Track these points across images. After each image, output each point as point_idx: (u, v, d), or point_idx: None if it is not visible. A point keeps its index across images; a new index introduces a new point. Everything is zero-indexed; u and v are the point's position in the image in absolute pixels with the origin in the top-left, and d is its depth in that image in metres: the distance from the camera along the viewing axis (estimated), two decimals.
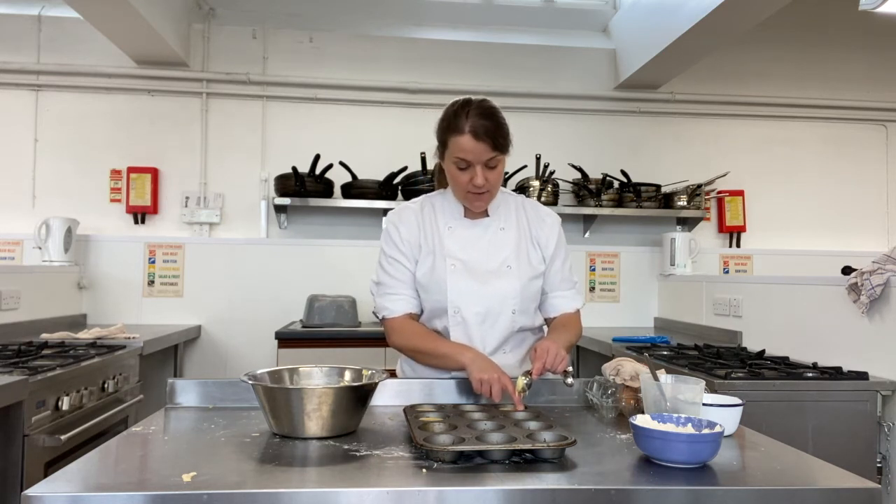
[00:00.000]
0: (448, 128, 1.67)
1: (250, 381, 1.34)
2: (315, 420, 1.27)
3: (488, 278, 1.76)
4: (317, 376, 1.50)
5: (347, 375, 1.49)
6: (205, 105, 3.95)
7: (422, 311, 1.83)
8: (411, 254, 1.80)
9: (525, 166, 3.82)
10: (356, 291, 3.61)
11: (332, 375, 1.50)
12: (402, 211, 1.87)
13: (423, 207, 1.86)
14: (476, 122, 1.63)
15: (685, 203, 4.01)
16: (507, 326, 1.77)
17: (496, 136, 1.65)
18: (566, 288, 1.88)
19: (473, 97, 1.71)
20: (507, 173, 3.83)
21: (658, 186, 4.02)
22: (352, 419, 1.33)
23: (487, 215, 1.83)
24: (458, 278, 1.75)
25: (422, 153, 3.68)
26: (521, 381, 1.54)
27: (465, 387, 1.63)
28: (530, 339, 1.86)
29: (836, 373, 2.32)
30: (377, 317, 1.85)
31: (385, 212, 3.85)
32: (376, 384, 1.39)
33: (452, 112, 1.68)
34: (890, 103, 4.44)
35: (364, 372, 1.48)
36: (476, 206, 1.77)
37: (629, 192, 3.98)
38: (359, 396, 1.33)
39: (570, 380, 1.59)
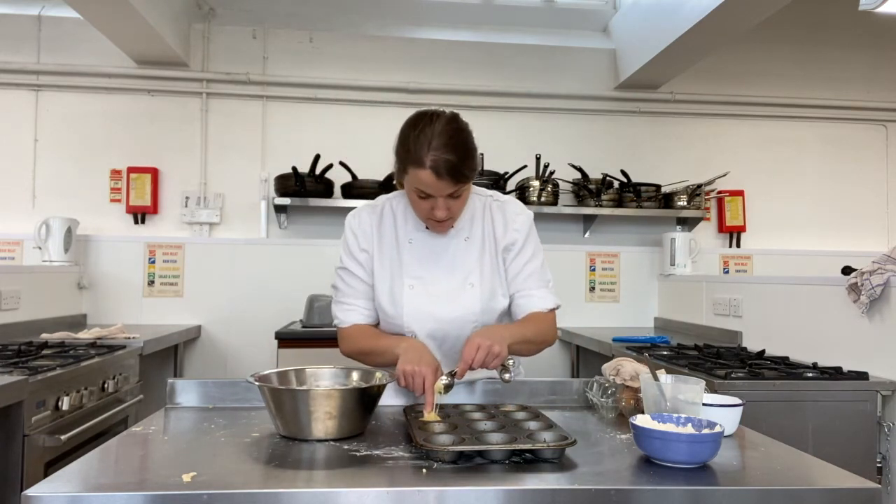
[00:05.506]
0: (407, 157, 1.51)
1: (257, 383, 1.32)
2: (323, 422, 1.26)
3: (448, 298, 1.66)
4: (324, 377, 1.48)
5: (354, 376, 1.48)
6: (205, 105, 3.95)
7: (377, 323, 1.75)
8: (368, 264, 1.72)
9: (525, 166, 3.82)
10: None
11: (339, 377, 1.48)
12: (361, 214, 1.76)
13: (384, 214, 1.75)
14: (438, 158, 1.47)
15: (685, 203, 4.00)
16: None
17: (461, 170, 1.49)
18: (537, 287, 1.70)
19: (438, 114, 1.54)
20: (506, 173, 3.83)
21: (658, 186, 4.02)
22: (361, 421, 1.32)
23: (452, 226, 1.70)
24: (415, 300, 1.66)
25: None
26: (440, 383, 1.42)
27: (466, 387, 1.62)
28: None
29: (836, 373, 2.32)
30: None
31: None
32: (385, 385, 1.38)
33: (414, 137, 1.50)
34: (890, 103, 4.44)
35: (377, 374, 1.44)
36: (437, 230, 1.67)
37: (629, 192, 3.98)
38: (368, 398, 1.32)
39: (507, 375, 1.46)
